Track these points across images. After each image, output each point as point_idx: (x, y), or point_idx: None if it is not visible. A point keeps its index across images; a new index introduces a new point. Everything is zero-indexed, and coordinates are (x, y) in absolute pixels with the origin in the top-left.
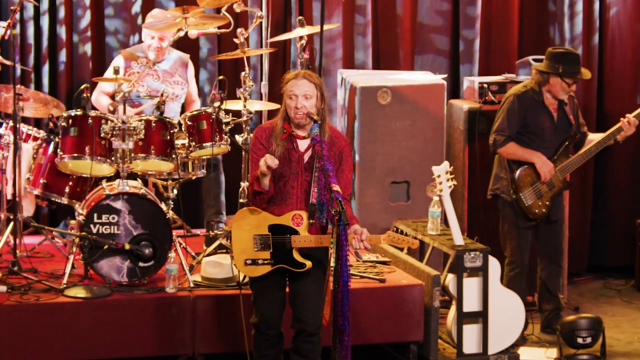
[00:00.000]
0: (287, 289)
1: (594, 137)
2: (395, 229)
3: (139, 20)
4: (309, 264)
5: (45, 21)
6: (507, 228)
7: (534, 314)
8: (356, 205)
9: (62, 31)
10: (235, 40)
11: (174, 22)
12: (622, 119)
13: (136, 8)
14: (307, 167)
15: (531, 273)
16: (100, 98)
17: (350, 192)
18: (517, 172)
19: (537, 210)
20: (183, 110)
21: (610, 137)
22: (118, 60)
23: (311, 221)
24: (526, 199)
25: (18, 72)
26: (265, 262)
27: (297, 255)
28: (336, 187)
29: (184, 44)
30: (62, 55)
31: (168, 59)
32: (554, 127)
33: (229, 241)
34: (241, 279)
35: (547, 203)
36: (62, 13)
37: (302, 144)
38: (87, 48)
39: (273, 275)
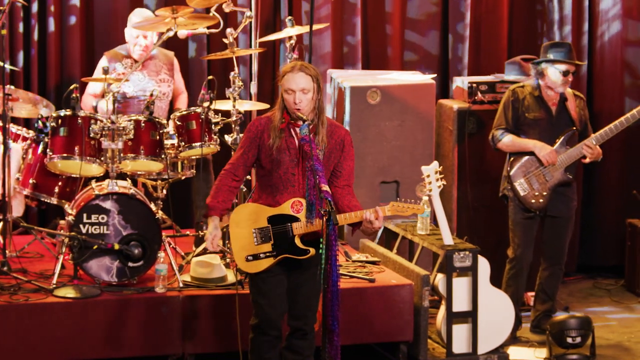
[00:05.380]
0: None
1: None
2: (384, 227)
3: (126, 20)
4: (312, 250)
5: (34, 21)
6: (510, 225)
7: (522, 314)
8: None
9: (51, 31)
10: (225, 40)
11: (162, 22)
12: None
13: (123, 8)
14: (306, 153)
15: (530, 272)
16: (86, 99)
17: (353, 181)
18: (511, 164)
19: (533, 201)
20: (171, 108)
21: (614, 129)
22: (103, 61)
23: None
24: (520, 189)
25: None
26: (268, 254)
27: (299, 243)
28: (325, 187)
29: (173, 44)
30: (52, 55)
31: (152, 57)
32: (551, 121)
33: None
34: (237, 277)
35: (545, 194)
36: (51, 13)
37: None
38: (76, 48)
39: (274, 272)
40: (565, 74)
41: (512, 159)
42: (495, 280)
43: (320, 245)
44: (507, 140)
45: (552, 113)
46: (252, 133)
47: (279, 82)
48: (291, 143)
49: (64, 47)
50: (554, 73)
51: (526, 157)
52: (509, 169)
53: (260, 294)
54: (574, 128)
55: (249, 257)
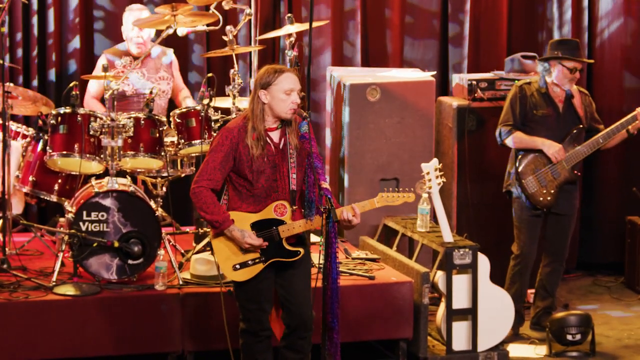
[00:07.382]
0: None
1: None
2: (384, 225)
3: (126, 18)
4: (302, 250)
5: (34, 19)
6: (515, 222)
7: (524, 311)
8: (345, 203)
9: (51, 29)
10: (224, 38)
11: (162, 19)
12: (638, 108)
13: (123, 4)
14: (283, 156)
15: (532, 269)
16: (91, 104)
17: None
18: (520, 161)
19: (541, 198)
20: (170, 106)
21: (620, 128)
22: (102, 60)
23: (294, 207)
24: (529, 187)
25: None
26: (257, 261)
27: (287, 245)
28: (325, 185)
29: (173, 41)
30: (51, 53)
31: (151, 55)
32: (558, 118)
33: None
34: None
35: (552, 191)
36: (51, 11)
37: (275, 135)
38: (76, 46)
39: (262, 277)
40: (572, 71)
41: (520, 156)
42: (495, 278)
43: (320, 243)
44: (515, 137)
45: (559, 110)
46: (227, 147)
47: (263, 87)
48: (269, 150)
49: (63, 44)
50: (562, 70)
51: (534, 154)
52: (517, 165)
53: (251, 300)
54: (581, 126)
55: (236, 266)
